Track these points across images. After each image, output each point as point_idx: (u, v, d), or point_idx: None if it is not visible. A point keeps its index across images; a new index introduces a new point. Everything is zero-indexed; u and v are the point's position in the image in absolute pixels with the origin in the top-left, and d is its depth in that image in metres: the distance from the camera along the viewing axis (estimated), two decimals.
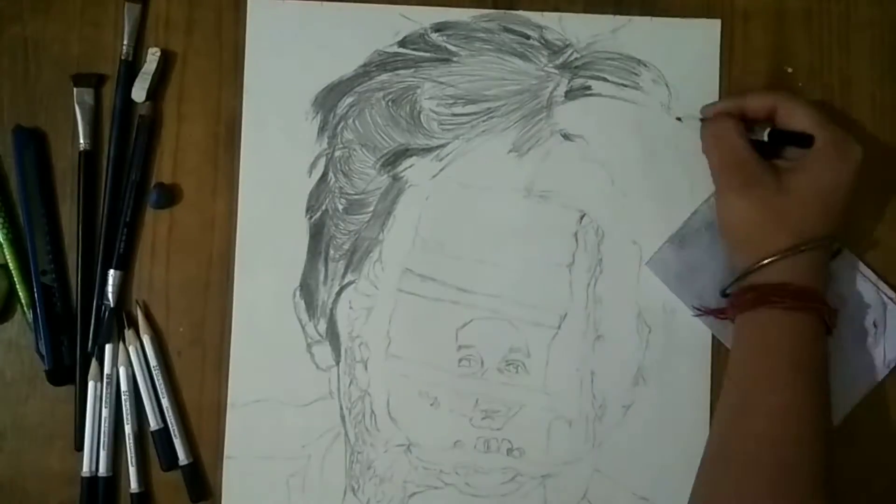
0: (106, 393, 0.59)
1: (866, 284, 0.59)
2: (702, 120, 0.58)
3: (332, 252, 0.60)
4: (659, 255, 0.59)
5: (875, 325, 0.59)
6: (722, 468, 0.52)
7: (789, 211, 0.53)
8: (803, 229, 0.53)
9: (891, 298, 0.59)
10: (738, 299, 0.54)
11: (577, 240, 0.59)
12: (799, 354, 0.52)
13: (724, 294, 0.57)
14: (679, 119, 0.59)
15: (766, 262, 0.53)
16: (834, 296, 0.58)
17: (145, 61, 0.60)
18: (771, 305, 0.52)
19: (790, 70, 0.61)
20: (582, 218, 0.59)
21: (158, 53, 0.60)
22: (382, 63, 0.61)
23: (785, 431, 0.51)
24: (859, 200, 0.56)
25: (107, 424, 0.58)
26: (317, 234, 0.60)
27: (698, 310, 0.58)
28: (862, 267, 0.59)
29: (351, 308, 0.60)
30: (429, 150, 0.60)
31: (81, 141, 0.60)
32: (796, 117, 0.55)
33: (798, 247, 0.52)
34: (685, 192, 0.60)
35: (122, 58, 0.61)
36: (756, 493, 0.50)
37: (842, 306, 0.58)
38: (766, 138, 0.55)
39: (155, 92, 0.61)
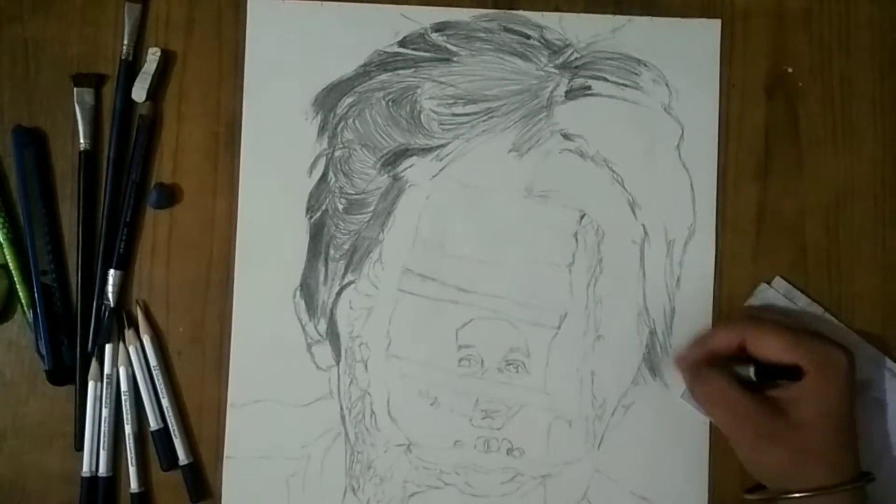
0: (106, 393, 0.59)
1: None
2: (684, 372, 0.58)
3: (332, 252, 0.60)
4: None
5: None
6: None
7: (811, 444, 0.52)
8: (829, 454, 0.52)
9: None
10: None
11: (577, 240, 0.59)
12: None
13: (746, 494, 0.57)
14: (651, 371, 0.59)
15: (799, 496, 0.52)
16: (869, 399, 0.57)
17: (145, 61, 0.60)
18: None
19: (790, 70, 0.61)
20: (582, 218, 0.59)
21: (158, 53, 0.60)
22: (382, 63, 0.61)
23: None
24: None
25: (107, 424, 0.58)
26: (317, 234, 0.60)
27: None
28: (887, 361, 0.58)
29: (351, 308, 0.60)
30: (429, 150, 0.60)
31: (81, 141, 0.60)
32: (767, 347, 0.53)
33: (834, 487, 0.51)
34: (685, 192, 0.60)
35: (122, 58, 0.61)
36: None
37: (881, 411, 0.58)
38: (753, 378, 0.54)
39: (155, 92, 0.61)
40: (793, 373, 0.53)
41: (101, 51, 0.61)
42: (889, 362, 0.59)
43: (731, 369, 0.55)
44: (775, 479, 0.54)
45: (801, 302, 0.59)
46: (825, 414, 0.52)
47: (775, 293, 0.59)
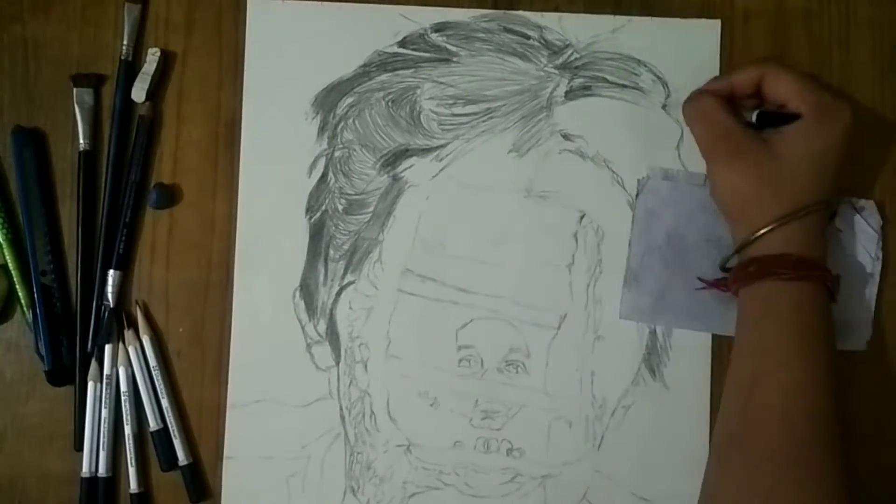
0: (105, 393, 0.59)
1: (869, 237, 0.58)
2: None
3: (331, 252, 0.60)
4: (625, 305, 0.59)
5: (839, 229, 0.58)
6: (735, 450, 0.52)
7: (781, 177, 0.52)
8: (797, 195, 0.52)
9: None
10: (739, 273, 0.54)
11: (577, 240, 0.59)
12: (806, 325, 0.52)
13: (723, 268, 0.57)
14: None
15: (762, 231, 0.52)
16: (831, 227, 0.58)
17: (145, 61, 0.60)
18: (774, 277, 0.52)
19: None
20: (582, 218, 0.59)
21: (158, 53, 0.60)
22: (382, 63, 0.61)
23: (798, 405, 0.50)
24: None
25: (106, 425, 0.58)
26: (317, 234, 0.60)
27: (702, 282, 0.58)
28: (860, 222, 0.59)
29: (351, 308, 0.60)
30: (429, 150, 0.60)
31: (81, 141, 0.60)
32: (781, 86, 0.54)
33: (795, 213, 0.52)
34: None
35: (122, 58, 0.61)
36: (771, 471, 0.49)
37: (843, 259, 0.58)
38: (754, 120, 0.55)
39: (155, 92, 0.61)
40: (793, 119, 0.53)
41: (101, 51, 0.61)
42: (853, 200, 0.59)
43: (737, 108, 0.55)
44: (736, 210, 0.54)
45: (682, 176, 0.59)
46: (807, 155, 0.52)
47: (655, 181, 0.59)
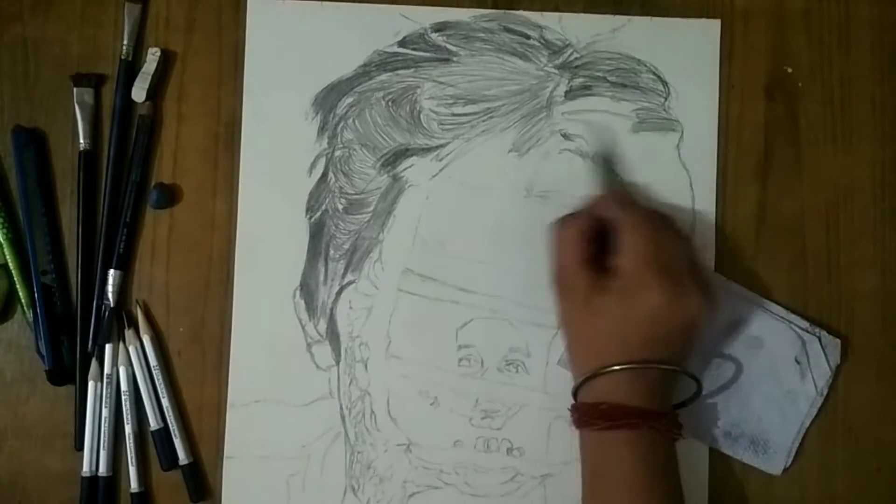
0: (106, 393, 0.59)
1: (778, 324, 0.58)
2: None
3: (332, 252, 0.60)
4: (566, 354, 0.58)
5: (798, 362, 0.58)
6: None
7: (630, 284, 0.51)
8: (649, 300, 0.51)
9: (805, 331, 0.58)
10: (572, 416, 0.54)
11: None
12: (629, 475, 0.51)
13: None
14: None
15: (578, 382, 0.53)
16: (749, 339, 0.58)
17: (145, 61, 0.60)
18: (589, 427, 0.52)
19: (790, 70, 0.61)
20: None
21: (158, 53, 0.60)
22: (382, 63, 0.61)
23: None
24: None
25: (107, 424, 0.58)
26: (317, 234, 0.60)
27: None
28: (771, 306, 0.59)
29: (351, 308, 0.60)
30: (429, 150, 0.60)
31: (81, 141, 0.60)
32: (602, 201, 0.55)
33: (603, 368, 0.52)
34: (685, 192, 0.60)
35: (122, 58, 0.61)
36: None
37: (759, 349, 0.58)
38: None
39: (155, 92, 0.61)
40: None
41: (101, 51, 0.61)
42: (766, 302, 0.59)
43: None
44: (594, 353, 0.53)
45: None
46: (640, 258, 0.51)
47: None
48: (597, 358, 0.52)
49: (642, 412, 0.51)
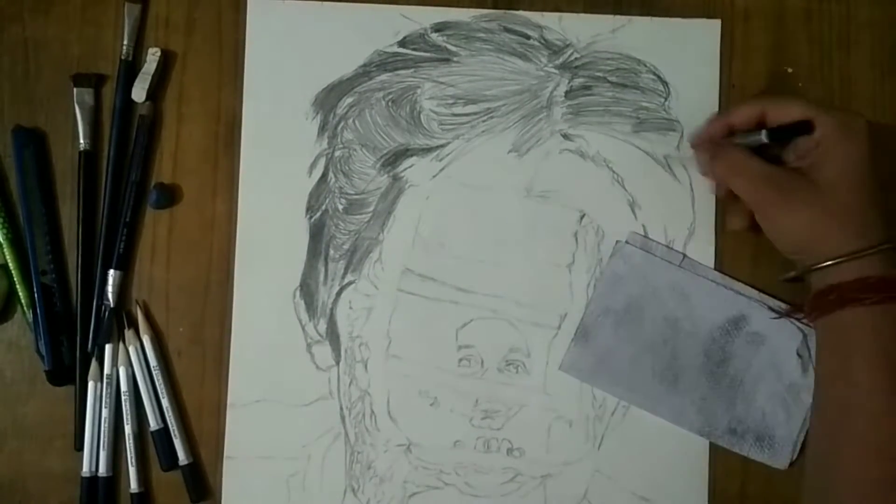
0: (106, 393, 0.59)
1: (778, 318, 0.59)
2: (694, 145, 0.58)
3: (332, 252, 0.60)
4: (568, 357, 0.58)
5: (799, 355, 0.58)
6: (827, 479, 0.51)
7: (837, 203, 0.52)
8: (855, 218, 0.52)
9: (805, 323, 0.58)
10: (817, 302, 0.53)
11: (577, 240, 0.59)
12: (887, 350, 0.50)
13: (787, 280, 0.56)
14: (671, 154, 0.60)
15: (837, 261, 0.51)
16: (750, 335, 0.58)
17: (145, 61, 0.60)
18: (855, 304, 0.51)
19: (790, 70, 0.61)
20: (582, 218, 0.59)
21: (158, 53, 0.60)
22: (382, 63, 0.61)
23: (890, 434, 0.49)
24: None
25: (107, 424, 0.58)
26: (317, 234, 0.60)
27: (776, 312, 0.58)
28: (771, 301, 0.59)
29: (351, 308, 0.60)
30: (429, 150, 0.60)
31: (81, 141, 0.60)
32: (786, 113, 0.54)
33: (865, 250, 0.51)
34: (685, 192, 0.60)
35: (122, 58, 0.61)
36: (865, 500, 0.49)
37: (760, 345, 0.58)
38: (766, 139, 0.54)
39: (155, 92, 0.61)
40: (804, 127, 0.53)
41: (101, 51, 0.61)
42: (766, 297, 0.59)
43: (743, 140, 0.55)
44: (800, 247, 0.53)
45: (659, 251, 0.59)
46: (846, 172, 0.52)
47: (631, 248, 0.59)
48: (848, 230, 0.52)
49: None
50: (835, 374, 0.52)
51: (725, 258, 0.60)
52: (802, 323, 0.58)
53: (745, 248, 0.60)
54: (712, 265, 0.60)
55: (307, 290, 0.60)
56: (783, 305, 0.58)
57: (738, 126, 0.56)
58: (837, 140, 0.53)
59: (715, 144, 0.56)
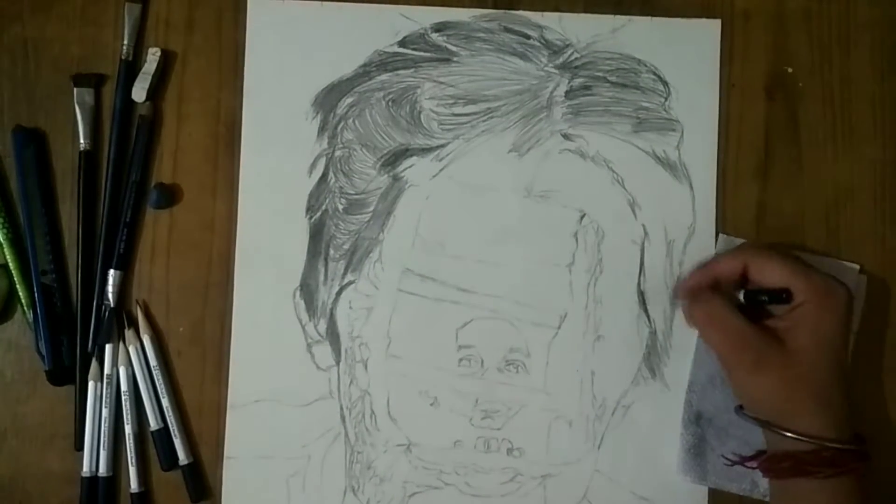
0: (106, 393, 0.59)
1: None
2: (679, 294, 0.58)
3: (332, 252, 0.60)
4: (685, 462, 0.58)
5: None
6: None
7: (805, 380, 0.52)
8: (821, 395, 0.51)
9: None
10: (772, 465, 0.53)
11: (577, 240, 0.59)
12: None
13: (737, 410, 0.56)
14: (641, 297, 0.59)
15: (792, 437, 0.51)
16: None
17: (145, 61, 0.60)
18: (808, 476, 0.51)
19: (790, 70, 0.61)
20: (582, 218, 0.59)
21: (158, 53, 0.60)
22: (382, 63, 0.61)
23: None
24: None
25: (107, 424, 0.58)
26: (317, 234, 0.60)
27: (729, 459, 0.57)
28: None
29: (351, 308, 0.60)
30: (429, 150, 0.60)
31: (81, 141, 0.60)
32: (768, 272, 0.54)
33: (825, 438, 0.51)
34: (685, 192, 0.60)
35: (122, 58, 0.61)
36: None
37: None
38: (742, 300, 0.54)
39: (155, 92, 0.61)
40: (781, 296, 0.53)
41: (101, 51, 0.61)
42: None
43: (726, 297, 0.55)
44: (765, 411, 0.53)
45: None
46: (820, 343, 0.52)
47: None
48: (814, 403, 0.51)
49: (857, 454, 0.51)
50: None
51: None
52: (750, 468, 0.56)
53: None
54: None
55: (307, 290, 0.60)
56: (735, 455, 0.57)
57: (722, 278, 0.56)
58: (815, 310, 0.52)
59: (697, 291, 0.56)
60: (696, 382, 0.58)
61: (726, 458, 0.57)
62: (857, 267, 0.59)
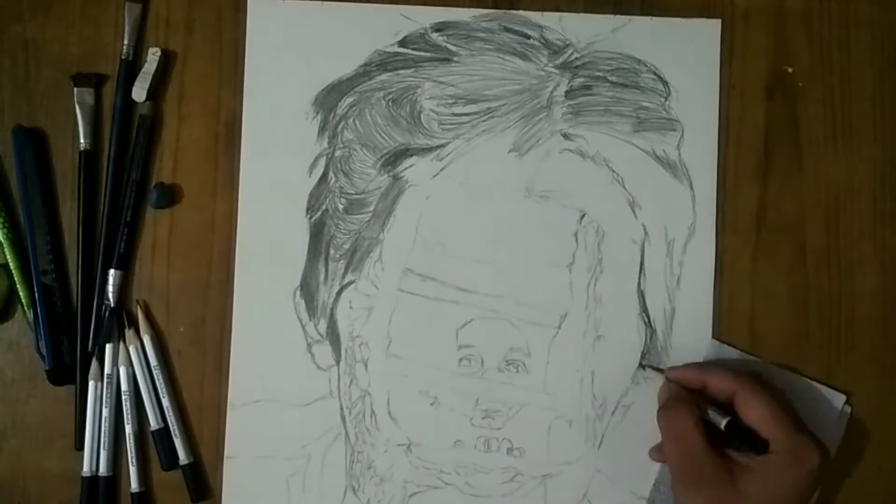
0: (106, 393, 0.59)
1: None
2: (667, 379, 0.57)
3: (332, 252, 0.60)
4: None
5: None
6: None
7: None
8: None
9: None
10: None
11: (577, 240, 0.59)
12: None
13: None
14: (643, 367, 0.59)
15: None
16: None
17: (145, 61, 0.60)
18: None
19: (790, 70, 0.61)
20: (582, 218, 0.59)
21: (158, 53, 0.60)
22: (382, 63, 0.61)
23: None
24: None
25: (107, 424, 0.58)
26: (317, 233, 0.60)
27: None
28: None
29: (351, 308, 0.60)
30: (429, 149, 0.60)
31: (81, 141, 0.60)
32: (752, 410, 0.52)
33: None
34: (685, 192, 0.60)
35: (122, 58, 0.61)
36: None
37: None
38: (722, 428, 0.53)
39: (155, 92, 0.61)
40: (759, 445, 0.52)
41: (101, 51, 0.61)
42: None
43: (708, 408, 0.54)
44: None
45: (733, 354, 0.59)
46: (773, 498, 0.51)
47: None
48: None
49: None
50: None
51: (725, 258, 0.60)
52: None
53: (745, 249, 0.60)
54: (712, 265, 0.60)
55: (307, 289, 0.60)
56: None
57: (710, 390, 0.55)
58: (782, 464, 0.51)
59: (674, 396, 0.55)
60: (660, 482, 0.58)
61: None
62: (844, 397, 0.59)
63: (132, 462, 0.58)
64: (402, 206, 0.60)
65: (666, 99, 0.60)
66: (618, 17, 0.61)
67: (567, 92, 0.60)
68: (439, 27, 0.61)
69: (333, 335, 0.60)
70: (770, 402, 0.53)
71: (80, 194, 0.60)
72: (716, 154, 0.60)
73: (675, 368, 0.57)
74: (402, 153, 0.60)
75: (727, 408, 0.54)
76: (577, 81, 0.60)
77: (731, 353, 0.59)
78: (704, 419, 0.53)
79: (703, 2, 0.61)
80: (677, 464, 0.53)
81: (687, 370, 0.57)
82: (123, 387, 0.59)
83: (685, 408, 0.53)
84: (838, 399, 0.59)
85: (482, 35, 0.61)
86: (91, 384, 0.59)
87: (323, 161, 0.60)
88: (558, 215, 0.59)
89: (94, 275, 0.59)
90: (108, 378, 0.59)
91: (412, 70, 0.61)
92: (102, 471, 0.58)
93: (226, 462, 0.59)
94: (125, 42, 0.60)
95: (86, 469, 0.58)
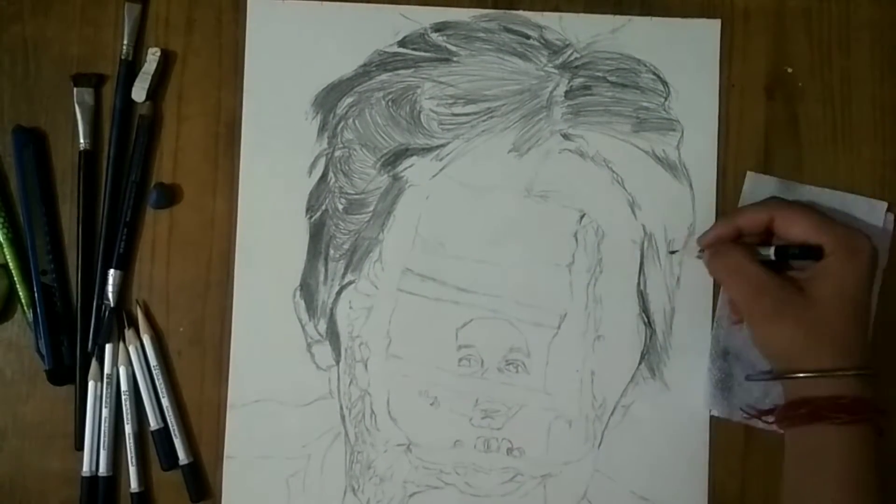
0: (106, 393, 0.59)
1: None
2: (701, 250, 0.57)
3: (332, 252, 0.60)
4: (715, 395, 0.58)
5: None
6: None
7: (824, 323, 0.52)
8: (840, 340, 0.52)
9: None
10: (787, 413, 0.53)
11: (577, 240, 0.59)
12: (854, 473, 0.50)
13: (748, 378, 0.57)
14: (672, 252, 0.59)
15: (809, 376, 0.52)
16: None
17: (145, 61, 0.60)
18: (825, 422, 0.51)
19: (790, 70, 0.61)
20: (582, 218, 0.59)
21: (158, 53, 0.60)
22: (382, 63, 0.61)
23: None
24: None
25: (107, 424, 0.58)
26: (317, 233, 0.60)
27: (745, 412, 0.58)
28: None
29: (351, 308, 0.60)
30: (429, 149, 0.60)
31: (81, 141, 0.60)
32: (795, 226, 0.53)
33: (842, 369, 0.51)
34: (685, 192, 0.60)
35: (122, 58, 0.61)
36: None
37: None
38: (773, 257, 0.54)
39: (155, 92, 0.61)
40: (814, 253, 0.53)
41: (101, 51, 0.61)
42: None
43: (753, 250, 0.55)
44: (784, 358, 0.53)
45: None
46: (842, 294, 0.52)
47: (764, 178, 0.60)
48: (832, 348, 0.52)
49: (873, 405, 0.51)
50: (801, 489, 0.52)
51: None
52: (767, 423, 0.57)
53: None
54: None
55: (307, 289, 0.60)
56: (751, 409, 0.58)
57: (745, 230, 0.55)
58: (839, 261, 0.52)
59: (719, 243, 0.56)
60: (722, 318, 0.59)
61: (744, 412, 0.57)
62: (885, 204, 0.59)
63: (132, 462, 0.58)
64: (402, 206, 0.60)
65: (666, 99, 0.60)
66: (617, 17, 0.61)
67: (567, 92, 0.60)
68: (439, 27, 0.61)
69: (333, 335, 0.60)
70: (809, 211, 0.54)
71: (80, 194, 0.60)
72: (716, 154, 0.60)
73: (705, 233, 0.57)
74: (402, 153, 0.60)
75: (767, 242, 0.55)
76: (577, 81, 0.60)
77: (769, 181, 0.60)
78: None
79: (702, 2, 0.61)
80: (745, 298, 0.54)
81: (715, 228, 0.57)
82: (123, 387, 0.59)
83: (734, 248, 0.55)
84: (880, 207, 0.59)
85: (482, 35, 0.61)
86: (91, 384, 0.59)
87: (323, 161, 0.60)
88: (558, 215, 0.59)
89: (94, 275, 0.59)
90: (107, 378, 0.59)
91: (412, 70, 0.61)
92: (102, 471, 0.58)
93: (225, 462, 0.59)
94: (125, 42, 0.60)
95: (85, 469, 0.58)
